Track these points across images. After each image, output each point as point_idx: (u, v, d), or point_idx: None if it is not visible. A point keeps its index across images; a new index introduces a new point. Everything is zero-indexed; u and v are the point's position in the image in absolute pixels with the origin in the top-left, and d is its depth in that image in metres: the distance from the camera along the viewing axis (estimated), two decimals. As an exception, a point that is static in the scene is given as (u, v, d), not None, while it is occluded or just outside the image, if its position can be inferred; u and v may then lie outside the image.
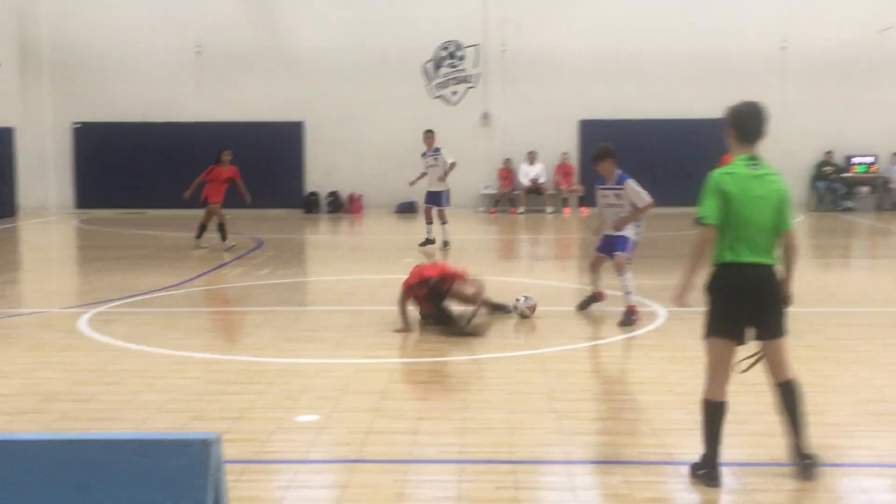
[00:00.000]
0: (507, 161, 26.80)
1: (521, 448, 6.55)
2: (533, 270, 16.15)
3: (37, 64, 26.73)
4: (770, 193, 5.81)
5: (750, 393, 7.00)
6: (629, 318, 10.66)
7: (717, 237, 5.77)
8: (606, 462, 6.36)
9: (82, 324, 10.84)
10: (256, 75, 26.58)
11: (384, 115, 26.62)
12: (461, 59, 26.82)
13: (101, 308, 11.90)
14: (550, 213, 26.14)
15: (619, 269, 10.85)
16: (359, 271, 15.18)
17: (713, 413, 5.87)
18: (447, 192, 18.30)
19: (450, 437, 6.80)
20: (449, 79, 26.88)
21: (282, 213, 25.83)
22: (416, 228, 22.90)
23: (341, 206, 26.77)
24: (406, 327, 10.31)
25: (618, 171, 10.95)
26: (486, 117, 26.93)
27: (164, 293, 13.01)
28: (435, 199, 18.15)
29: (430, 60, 26.80)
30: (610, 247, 11.13)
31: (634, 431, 6.90)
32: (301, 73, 26.57)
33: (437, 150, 18.21)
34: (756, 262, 5.77)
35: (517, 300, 11.22)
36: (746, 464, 6.24)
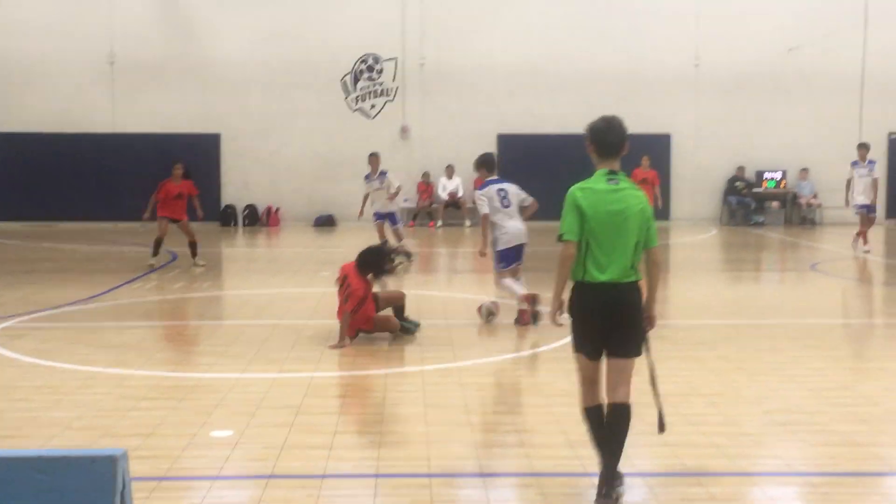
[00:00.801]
0: (426, 175, 26.84)
1: (437, 461, 6.53)
2: (451, 284, 16.18)
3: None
4: (627, 209, 5.70)
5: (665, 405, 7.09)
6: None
7: (576, 254, 5.73)
8: (522, 474, 6.37)
9: (-12, 339, 10.53)
10: (172, 86, 26.25)
11: (302, 127, 26.49)
12: (380, 72, 26.81)
13: (8, 323, 11.59)
14: (469, 226, 26.23)
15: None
16: (276, 285, 15.04)
17: (591, 418, 5.87)
18: (398, 211, 18.38)
19: (366, 450, 6.75)
20: (367, 92, 26.86)
21: (197, 225, 25.45)
22: (334, 242, 22.81)
23: (258, 220, 26.53)
24: (343, 343, 10.21)
25: (487, 179, 11.69)
26: (404, 131, 26.96)
27: (74, 307, 12.73)
28: (389, 217, 17.99)
29: (348, 73, 26.75)
30: None
31: (550, 444, 6.93)
32: (217, 84, 26.30)
33: (384, 173, 18.03)
34: (607, 280, 5.67)
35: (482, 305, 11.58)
36: (662, 474, 6.32)
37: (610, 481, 5.71)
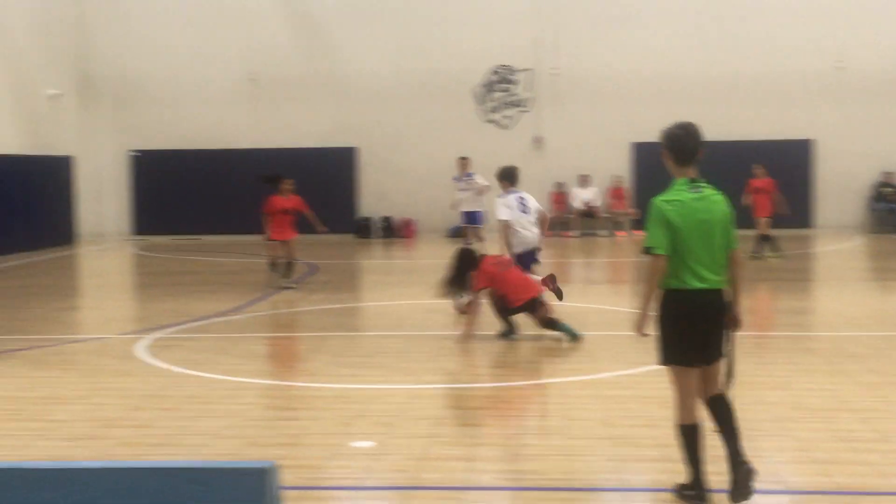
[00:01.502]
0: (560, 185, 26.73)
1: (578, 475, 6.47)
2: (587, 294, 16.03)
3: (95, 94, 27.20)
4: (713, 215, 5.76)
5: (814, 420, 6.87)
6: None
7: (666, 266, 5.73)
8: (664, 490, 6.25)
9: (139, 350, 10.94)
10: (309, 101, 26.83)
11: (436, 139, 26.70)
12: (513, 83, 26.85)
13: (158, 334, 12.01)
14: (604, 236, 25.99)
15: None
16: (412, 296, 15.17)
17: (689, 437, 5.85)
18: (482, 212, 19.41)
19: (506, 463, 6.74)
20: (501, 103, 26.92)
21: (335, 238, 25.96)
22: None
23: (394, 231, 26.85)
24: (470, 328, 10.51)
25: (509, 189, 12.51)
26: (537, 141, 26.91)
27: (219, 319, 13.11)
28: (473, 217, 19.46)
29: (481, 85, 26.86)
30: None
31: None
32: (354, 98, 26.77)
33: (470, 174, 19.58)
34: (701, 287, 5.71)
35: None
36: (812, 492, 6.11)
37: (741, 462, 5.76)
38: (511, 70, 26.81)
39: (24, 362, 10.55)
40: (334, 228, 26.30)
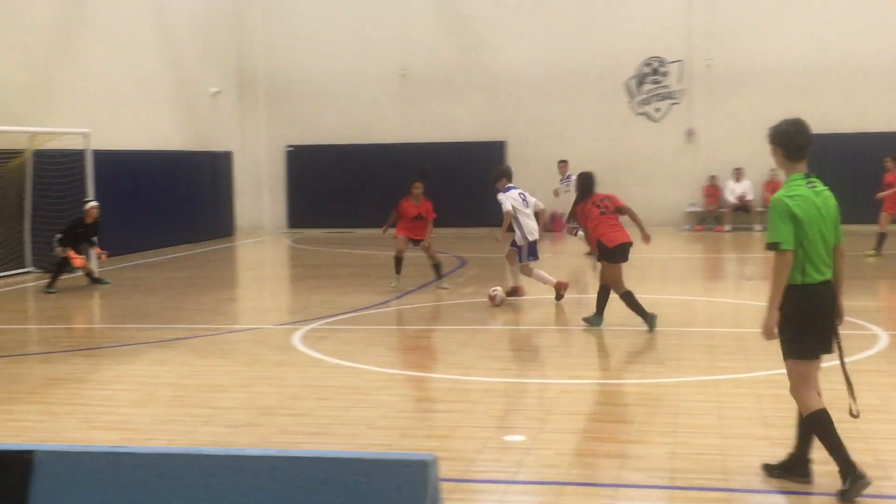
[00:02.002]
0: (713, 178, 26.15)
1: (734, 476, 6.33)
2: (741, 291, 15.65)
3: (253, 91, 28.04)
4: (827, 209, 5.88)
5: None
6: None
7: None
8: (827, 494, 6.06)
9: (296, 340, 11.23)
10: (459, 96, 27.00)
11: (585, 132, 26.49)
12: (665, 74, 26.40)
13: (313, 325, 12.30)
14: (758, 230, 25.30)
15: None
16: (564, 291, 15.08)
17: (825, 422, 5.92)
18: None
19: (659, 461, 6.64)
20: (652, 95, 26.51)
21: (484, 231, 26.03)
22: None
23: (543, 225, 26.71)
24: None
25: (507, 186, 13.77)
26: (690, 133, 26.40)
27: (372, 311, 13.34)
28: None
29: (632, 77, 26.51)
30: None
31: (858, 462, 6.55)
32: (503, 92, 26.80)
33: (570, 176, 20.38)
34: (822, 280, 5.83)
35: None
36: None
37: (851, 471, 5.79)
38: (662, 61, 26.37)
39: (188, 351, 10.97)
40: (484, 222, 26.54)
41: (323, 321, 12.60)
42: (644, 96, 26.54)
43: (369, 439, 7.29)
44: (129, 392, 9.10)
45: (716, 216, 26.00)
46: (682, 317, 12.62)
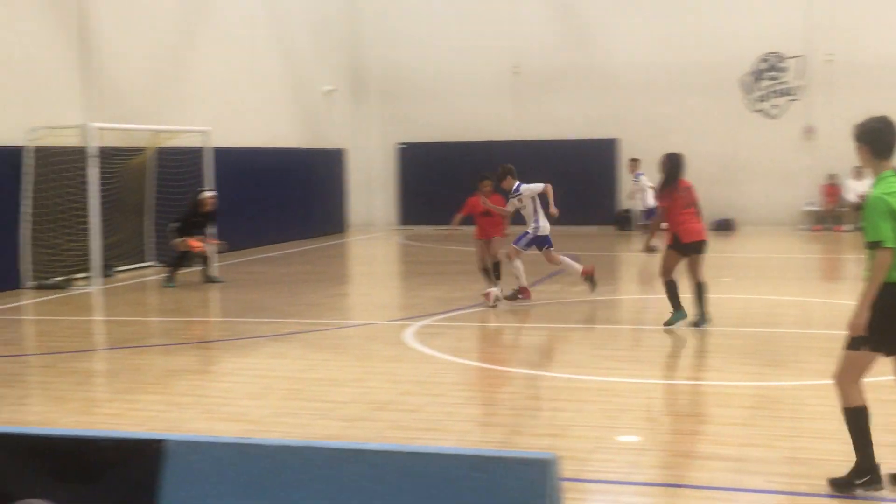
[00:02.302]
0: (832, 177, 25.45)
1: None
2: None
3: (366, 89, 28.37)
4: None
5: None
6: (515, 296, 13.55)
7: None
8: (954, 504, 5.84)
9: (408, 336, 11.32)
10: (571, 93, 26.84)
11: (699, 129, 26.05)
12: (783, 70, 25.79)
13: (425, 321, 12.38)
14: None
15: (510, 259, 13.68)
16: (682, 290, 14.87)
17: (863, 419, 5.92)
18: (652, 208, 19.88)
19: (778, 466, 6.50)
20: (770, 91, 25.92)
21: (594, 229, 25.88)
22: (733, 246, 22.24)
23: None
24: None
25: (516, 183, 13.98)
26: (808, 131, 25.74)
27: (482, 308, 13.36)
28: (650, 213, 20.52)
29: (749, 73, 25.97)
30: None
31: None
32: (616, 89, 26.55)
33: (640, 174, 21.17)
34: None
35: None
36: None
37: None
38: (780, 57, 25.77)
39: (302, 345, 11.16)
40: (594, 220, 26.35)
41: (434, 317, 12.67)
42: (761, 93, 25.98)
43: (481, 436, 7.31)
44: (246, 384, 9.30)
45: (835, 216, 25.31)
46: (799, 318, 12.33)
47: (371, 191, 28.50)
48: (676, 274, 11.35)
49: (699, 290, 11.30)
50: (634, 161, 22.58)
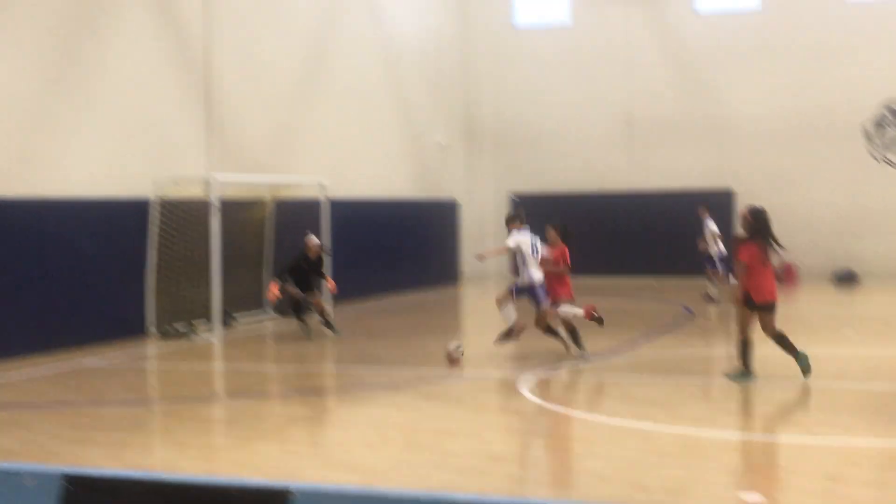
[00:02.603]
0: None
1: None
2: None
3: (479, 140, 28.58)
4: None
5: None
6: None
7: None
8: None
9: (522, 388, 11.24)
10: (686, 143, 26.58)
11: (820, 179, 25.50)
12: (907, 118, 25.08)
13: (539, 373, 12.28)
14: None
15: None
16: (799, 344, 14.47)
17: None
18: (721, 254, 20.38)
19: (914, 530, 6.22)
20: (894, 141, 25.20)
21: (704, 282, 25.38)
22: (857, 298, 21.56)
23: (775, 276, 25.76)
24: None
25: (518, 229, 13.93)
26: (935, 180, 24.92)
27: (599, 361, 13.19)
28: (710, 262, 20.61)
29: (871, 120, 25.32)
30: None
31: None
32: (731, 139, 26.18)
33: (706, 221, 20.98)
34: None
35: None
36: None
37: None
38: (904, 104, 25.09)
39: (417, 395, 11.17)
40: (706, 271, 25.90)
41: (549, 369, 12.56)
42: (885, 141, 25.27)
43: (602, 491, 7.18)
44: (362, 434, 9.35)
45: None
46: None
47: (484, 241, 28.53)
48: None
49: (780, 342, 11.26)
50: (704, 208, 21.72)
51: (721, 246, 20.60)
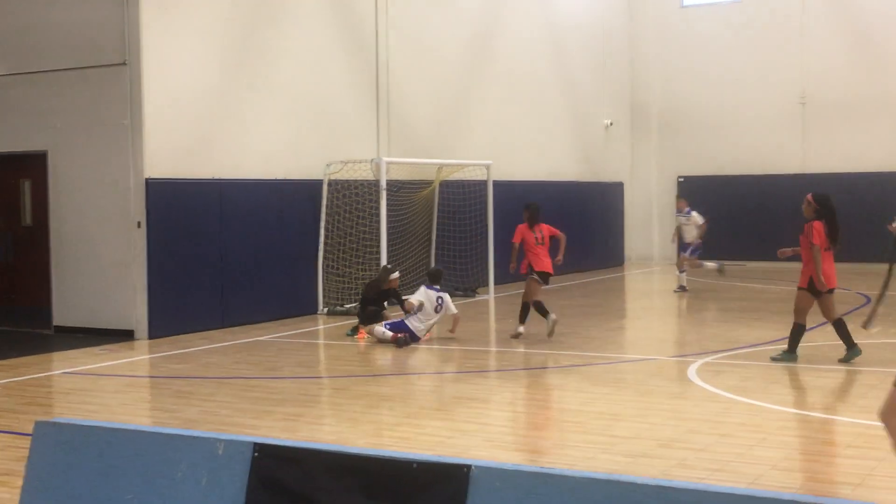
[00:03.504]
0: None
1: None
2: None
3: (646, 122, 28.15)
4: None
5: None
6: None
7: None
8: None
9: (691, 373, 11.08)
10: (864, 123, 25.46)
11: None
12: None
13: (708, 358, 12.08)
14: None
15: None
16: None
17: None
18: (696, 245, 20.57)
19: None
20: None
21: (877, 267, 24.34)
22: None
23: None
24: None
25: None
26: None
27: (768, 347, 12.87)
28: (686, 248, 20.76)
29: None
30: None
31: None
32: (914, 119, 24.96)
33: (689, 211, 20.78)
34: None
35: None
36: None
37: None
38: None
39: (582, 377, 11.16)
40: (891, 257, 24.76)
41: (717, 355, 12.33)
42: None
43: (774, 480, 7.02)
44: (527, 415, 9.41)
45: None
46: None
47: (649, 225, 28.17)
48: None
49: (837, 327, 11.56)
50: (682, 199, 21.81)
51: (698, 234, 20.61)
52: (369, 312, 14.53)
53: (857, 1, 25.72)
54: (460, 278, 19.39)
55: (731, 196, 26.72)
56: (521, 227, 14.08)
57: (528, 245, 14.03)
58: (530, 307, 14.01)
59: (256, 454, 3.95)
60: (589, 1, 26.21)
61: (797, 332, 11.64)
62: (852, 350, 11.55)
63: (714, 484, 6.78)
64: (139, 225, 14.28)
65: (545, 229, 14.15)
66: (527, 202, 14.62)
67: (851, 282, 20.56)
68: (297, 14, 16.83)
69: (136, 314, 14.34)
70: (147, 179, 14.25)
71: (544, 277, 14.07)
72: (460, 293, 18.58)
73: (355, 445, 8.02)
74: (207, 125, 15.22)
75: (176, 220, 14.64)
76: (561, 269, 23.11)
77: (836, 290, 11.69)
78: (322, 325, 15.88)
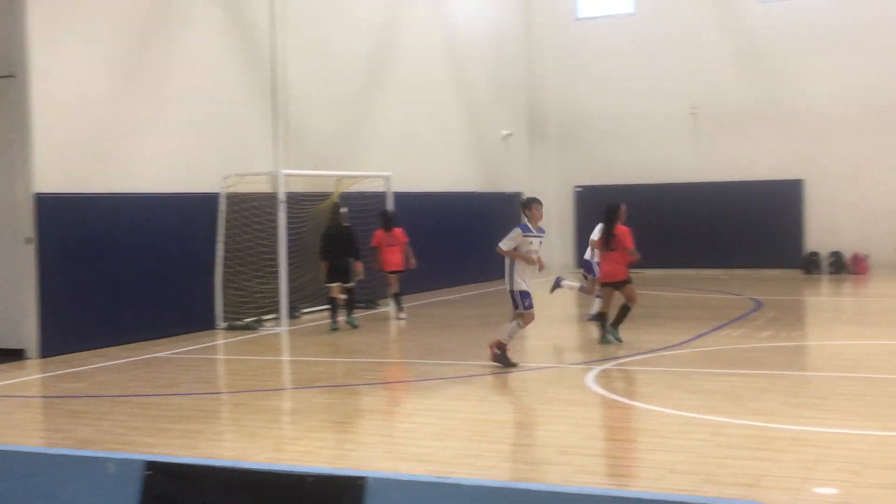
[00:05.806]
0: None
1: None
2: None
3: (543, 132, 28.47)
4: None
5: None
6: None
7: None
8: None
9: (589, 380, 11.21)
10: (753, 134, 26.17)
11: (893, 169, 24.96)
12: (983, 105, 24.46)
13: (606, 365, 12.24)
14: None
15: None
16: (868, 336, 14.24)
17: None
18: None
19: None
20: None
21: (779, 273, 25.08)
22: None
23: (844, 267, 25.38)
24: None
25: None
26: None
27: (666, 352, 13.11)
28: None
29: (945, 109, 24.74)
30: None
31: None
32: (801, 129, 25.72)
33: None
34: None
35: None
36: None
37: None
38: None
39: (484, 387, 11.20)
40: (778, 263, 25.54)
41: (616, 361, 12.51)
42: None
43: (671, 484, 7.14)
44: (429, 426, 9.39)
45: None
46: None
47: (548, 234, 28.45)
48: None
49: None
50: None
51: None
52: (341, 266, 15.44)
53: (746, 16, 26.45)
54: (362, 290, 19.29)
55: (628, 205, 27.13)
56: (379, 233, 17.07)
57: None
58: None
59: (149, 472, 3.86)
60: (486, 12, 26.42)
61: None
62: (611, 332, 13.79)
63: (613, 489, 6.87)
64: (28, 241, 13.87)
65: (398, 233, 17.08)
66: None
67: (747, 286, 21.11)
68: (193, 26, 16.59)
69: (27, 333, 13.92)
70: (37, 194, 13.86)
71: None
72: (361, 305, 18.49)
73: (255, 461, 7.90)
74: (100, 138, 14.88)
75: (69, 236, 14.27)
76: (463, 279, 23.28)
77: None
78: (221, 339, 15.65)
